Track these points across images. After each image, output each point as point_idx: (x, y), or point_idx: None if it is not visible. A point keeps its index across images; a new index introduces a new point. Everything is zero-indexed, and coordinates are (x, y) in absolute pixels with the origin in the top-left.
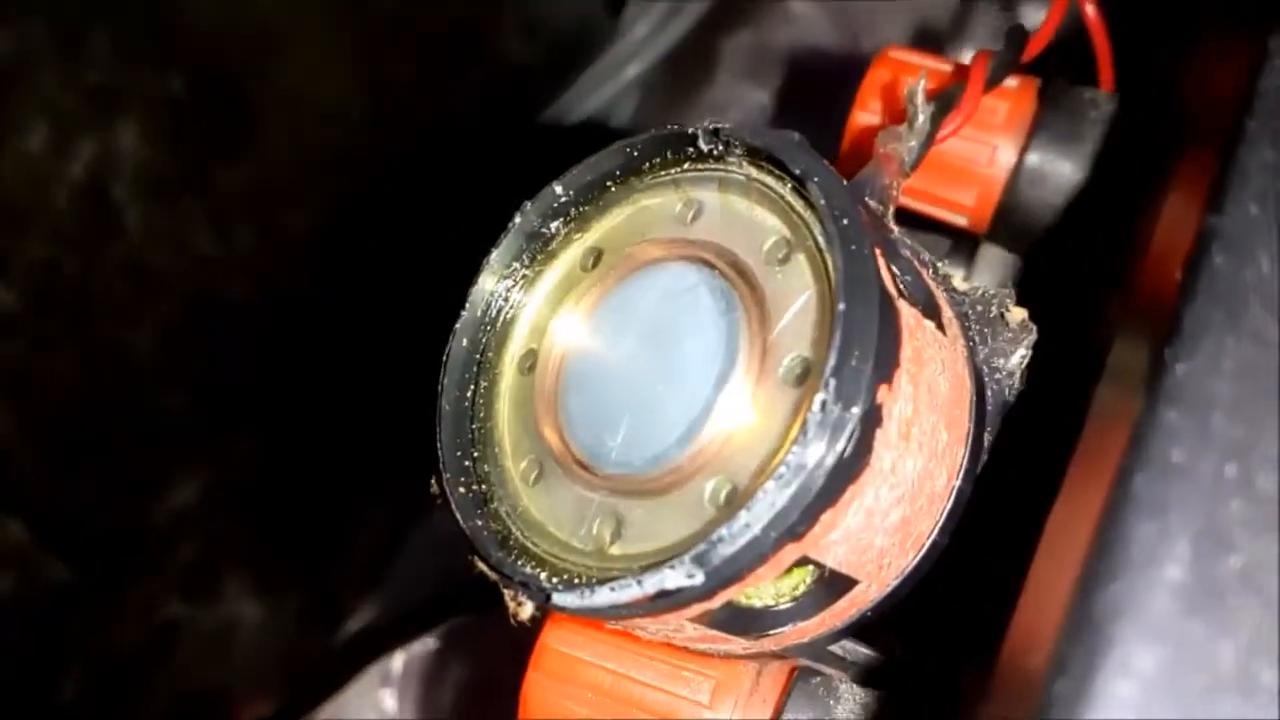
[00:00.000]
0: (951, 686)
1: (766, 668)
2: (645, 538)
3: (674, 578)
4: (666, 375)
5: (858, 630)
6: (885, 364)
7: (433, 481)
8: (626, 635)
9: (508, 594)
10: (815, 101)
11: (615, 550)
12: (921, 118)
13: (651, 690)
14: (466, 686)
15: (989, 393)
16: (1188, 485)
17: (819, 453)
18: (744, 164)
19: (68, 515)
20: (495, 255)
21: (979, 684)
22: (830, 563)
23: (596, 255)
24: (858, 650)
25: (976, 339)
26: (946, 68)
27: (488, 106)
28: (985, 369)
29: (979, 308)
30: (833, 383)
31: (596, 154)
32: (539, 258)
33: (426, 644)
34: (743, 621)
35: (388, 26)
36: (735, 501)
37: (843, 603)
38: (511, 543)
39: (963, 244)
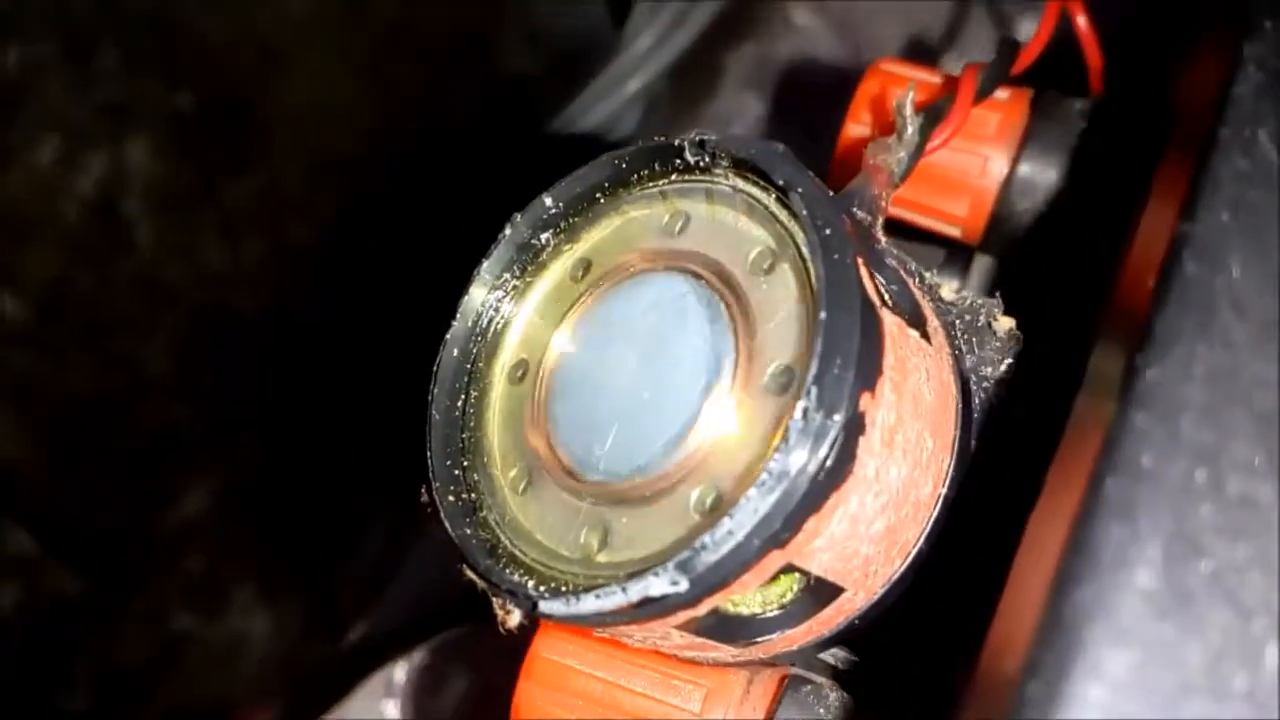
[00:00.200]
0: (943, 694)
1: (758, 676)
2: (632, 545)
3: (658, 585)
4: (653, 384)
5: (847, 638)
6: (868, 372)
7: (422, 490)
8: (617, 644)
9: (496, 602)
10: (818, 114)
11: (602, 558)
12: (910, 129)
13: (643, 699)
14: (469, 695)
15: (975, 401)
16: (1158, 490)
17: (801, 459)
18: (730, 175)
19: (75, 525)
20: (486, 266)
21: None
22: (815, 570)
23: (586, 266)
24: (848, 658)
25: (963, 348)
26: (936, 80)
27: (493, 118)
28: (973, 378)
29: (966, 317)
30: (814, 390)
31: (585, 166)
32: (529, 269)
33: (429, 652)
34: (730, 629)
35: (392, 40)
36: (719, 509)
37: (830, 611)
38: (500, 551)
39: (956, 256)
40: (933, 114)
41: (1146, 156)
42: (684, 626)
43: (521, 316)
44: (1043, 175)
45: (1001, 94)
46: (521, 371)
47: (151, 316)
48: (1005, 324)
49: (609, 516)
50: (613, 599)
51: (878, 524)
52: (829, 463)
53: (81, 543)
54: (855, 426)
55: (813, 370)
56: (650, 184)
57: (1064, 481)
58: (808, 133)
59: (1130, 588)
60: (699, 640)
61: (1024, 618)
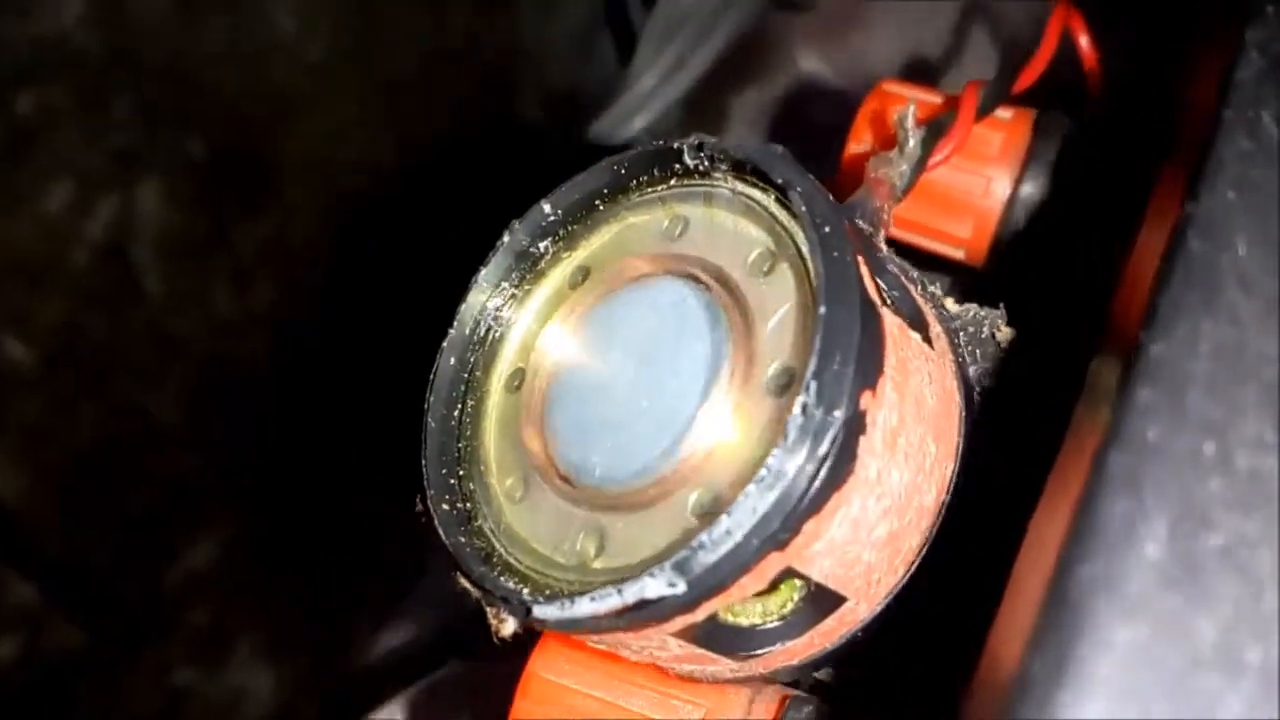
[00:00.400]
0: (943, 710)
1: (759, 695)
2: (629, 551)
3: (654, 586)
4: (652, 388)
5: (848, 653)
6: (868, 370)
7: (418, 499)
8: (615, 660)
9: (490, 611)
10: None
11: (598, 564)
12: (912, 142)
13: (641, 719)
14: None
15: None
16: (1164, 463)
17: (800, 457)
18: (729, 178)
19: (81, 577)
20: (484, 274)
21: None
22: (816, 576)
23: (584, 273)
24: (844, 677)
25: (967, 357)
26: (938, 100)
27: (503, 160)
28: (977, 388)
29: (970, 328)
30: (814, 385)
31: (584, 173)
32: (528, 277)
33: (421, 693)
34: (729, 640)
35: (405, 89)
36: (718, 510)
37: (831, 621)
38: (495, 559)
39: (961, 284)
40: (935, 129)
41: (1149, 173)
42: (682, 634)
43: (520, 324)
44: (1046, 195)
45: (1005, 114)
46: (519, 380)
47: (160, 364)
48: (1008, 335)
49: (605, 523)
50: (608, 601)
51: (880, 529)
52: (829, 461)
53: (86, 595)
54: (856, 425)
55: (812, 365)
56: (649, 189)
57: (1068, 466)
58: (815, 176)
59: (1138, 561)
60: (698, 651)
61: (1029, 598)
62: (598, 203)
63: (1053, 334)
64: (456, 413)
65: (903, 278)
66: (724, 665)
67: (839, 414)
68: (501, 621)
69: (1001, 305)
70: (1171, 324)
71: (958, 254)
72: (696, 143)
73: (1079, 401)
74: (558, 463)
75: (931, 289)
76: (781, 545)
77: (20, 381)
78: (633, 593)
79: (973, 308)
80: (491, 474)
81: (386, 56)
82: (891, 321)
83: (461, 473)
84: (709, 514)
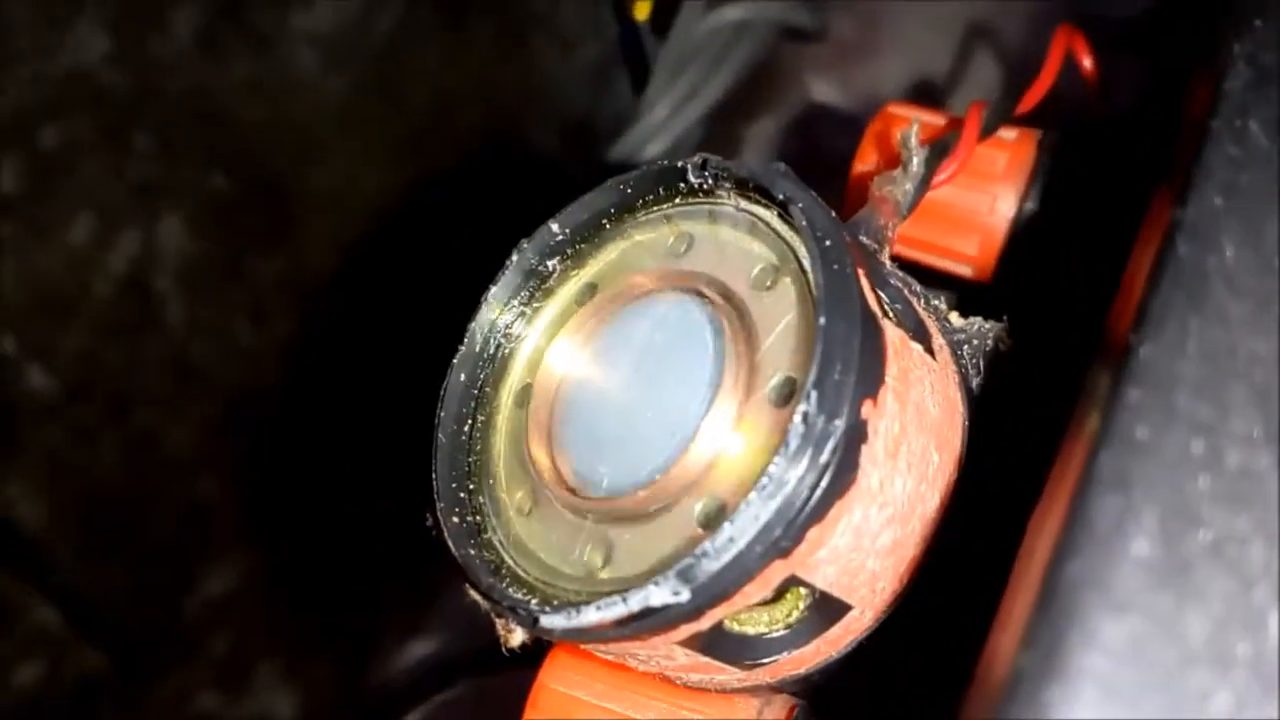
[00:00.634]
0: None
1: (767, 706)
2: (635, 562)
3: (659, 594)
4: (657, 401)
5: (854, 660)
6: (869, 379)
7: (427, 512)
8: (624, 671)
9: (499, 622)
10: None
11: (605, 575)
12: (915, 161)
13: None
14: None
15: None
16: (1154, 461)
17: (802, 466)
18: (732, 195)
19: (101, 603)
20: (494, 291)
21: None
22: (820, 584)
23: (592, 290)
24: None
25: (971, 369)
26: (942, 120)
27: (521, 195)
28: (981, 399)
29: (975, 342)
30: (814, 394)
31: (591, 192)
32: (537, 294)
33: (437, 706)
34: (735, 649)
35: (425, 125)
36: (722, 519)
37: (837, 630)
38: (504, 571)
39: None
40: (939, 149)
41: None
42: (688, 643)
43: (529, 341)
44: (1050, 212)
45: (1009, 134)
46: (528, 395)
47: (181, 394)
48: (1012, 347)
49: (612, 534)
50: (613, 610)
51: (883, 538)
52: (831, 470)
53: (107, 621)
54: (857, 434)
55: (812, 374)
56: (655, 208)
57: (1063, 468)
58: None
59: (1126, 558)
60: (704, 660)
61: (1023, 596)
62: (605, 221)
63: (1057, 346)
64: (467, 428)
65: (905, 291)
66: (731, 675)
67: (840, 422)
68: (510, 632)
69: (1005, 319)
70: (1161, 326)
71: (965, 271)
72: (700, 161)
73: (1075, 407)
74: (565, 476)
75: (935, 303)
76: (785, 553)
77: (43, 410)
78: (637, 601)
79: (977, 321)
80: (501, 487)
81: (406, 93)
82: (893, 333)
83: (471, 486)
84: (713, 523)
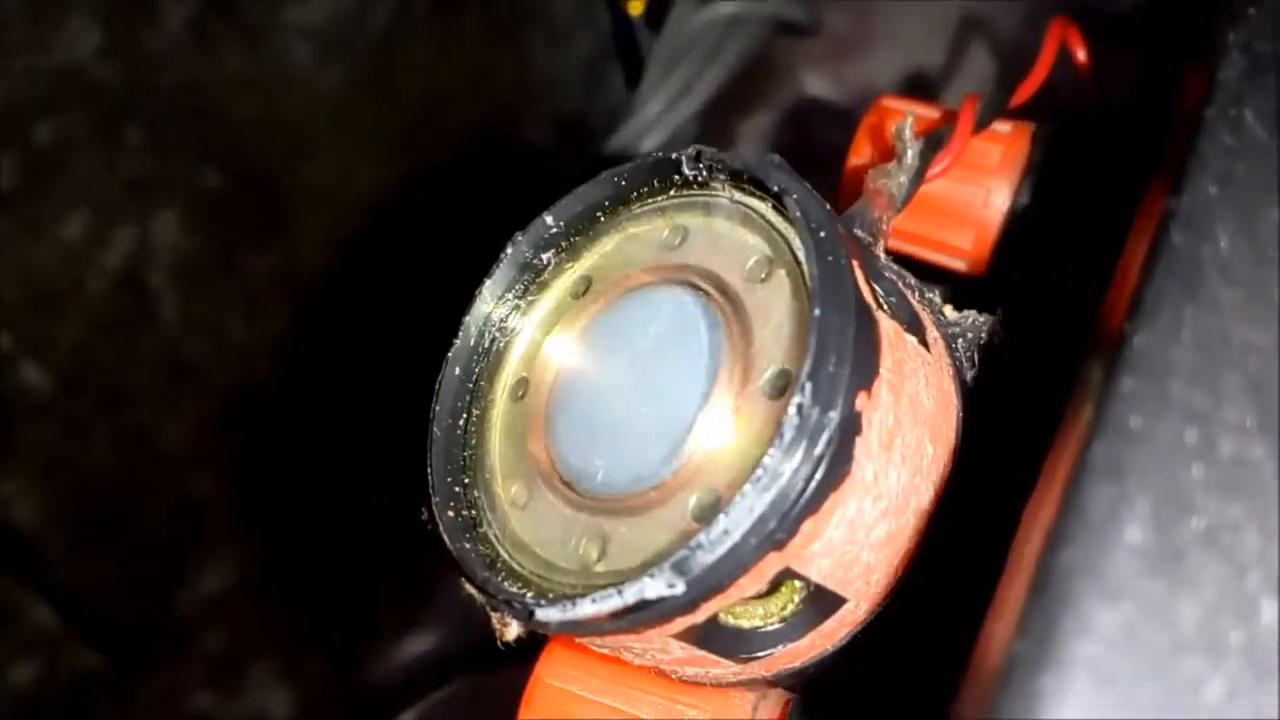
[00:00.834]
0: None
1: (763, 701)
2: (630, 555)
3: (654, 586)
4: (652, 394)
5: (849, 653)
6: (863, 371)
7: (423, 507)
8: (620, 666)
9: (494, 616)
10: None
11: (600, 568)
12: (910, 153)
13: None
14: None
15: None
16: (1147, 450)
17: (796, 458)
18: (727, 188)
19: (95, 601)
20: (488, 285)
21: None
22: (815, 577)
23: (587, 283)
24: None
25: (965, 362)
26: (936, 113)
27: (516, 189)
28: (976, 392)
29: (969, 334)
30: (808, 386)
31: (585, 184)
32: (531, 288)
33: (433, 704)
34: (730, 642)
35: (420, 121)
36: (717, 511)
37: (832, 623)
38: (499, 565)
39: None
40: (933, 142)
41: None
42: (683, 636)
43: (524, 335)
44: (1045, 205)
45: (1004, 128)
46: (523, 389)
47: (174, 390)
48: (1006, 340)
49: (608, 527)
50: (609, 602)
51: (878, 530)
52: (825, 462)
53: (102, 619)
54: (851, 426)
55: (807, 366)
56: (649, 200)
57: (1057, 458)
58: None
59: (1120, 545)
60: (699, 653)
61: (1017, 585)
62: (599, 214)
63: (1051, 339)
64: (462, 422)
65: (899, 284)
66: (727, 668)
67: (834, 414)
68: (505, 626)
69: (1000, 311)
70: (1155, 314)
71: (959, 265)
72: (695, 153)
73: (1070, 399)
74: (561, 469)
75: (929, 296)
76: (779, 545)
77: (36, 407)
78: (632, 593)
79: (971, 314)
80: (496, 481)
81: (399, 87)
82: (887, 325)
83: (467, 480)
84: (708, 516)
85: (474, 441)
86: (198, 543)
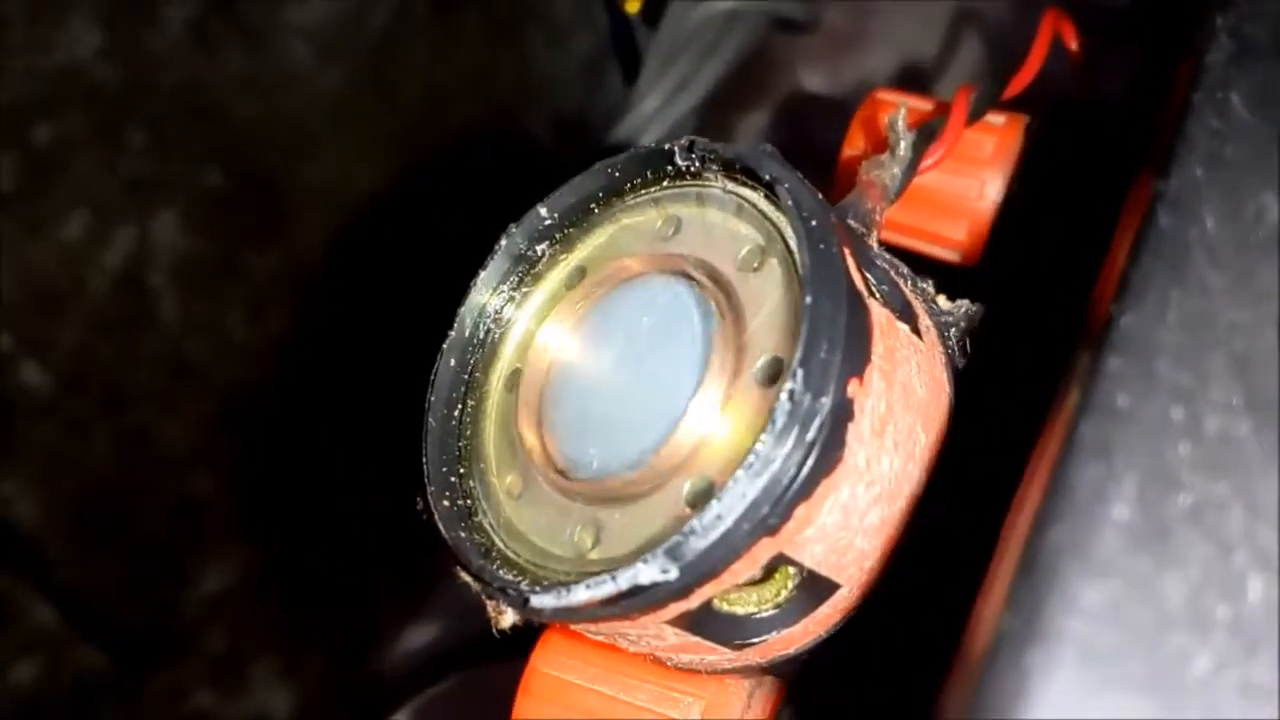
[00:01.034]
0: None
1: (758, 687)
2: (624, 542)
3: (648, 572)
4: (646, 382)
5: (842, 638)
6: (855, 358)
7: (418, 496)
8: (616, 655)
9: (490, 604)
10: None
11: (595, 555)
12: (903, 145)
13: (642, 711)
14: None
15: None
16: (1134, 428)
17: (789, 444)
18: (719, 178)
19: (97, 601)
20: (483, 277)
21: None
22: (808, 562)
23: (581, 273)
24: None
25: (958, 350)
26: (930, 105)
27: (515, 186)
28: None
29: (962, 324)
30: (800, 373)
31: (579, 176)
32: (526, 279)
33: (430, 698)
34: (725, 628)
35: (419, 120)
36: (710, 497)
37: (826, 609)
38: (494, 553)
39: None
40: (927, 134)
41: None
42: (677, 622)
43: (518, 325)
44: (1038, 196)
45: (997, 119)
46: (518, 379)
47: (175, 389)
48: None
49: (602, 515)
50: (603, 588)
51: (871, 516)
52: (817, 448)
53: (104, 618)
54: (843, 412)
55: (798, 353)
56: (643, 191)
57: (1046, 439)
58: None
59: (1106, 522)
60: (693, 640)
61: (1007, 563)
62: (593, 205)
63: (1043, 329)
64: (457, 412)
65: (892, 273)
66: (722, 655)
67: (826, 400)
68: (500, 613)
69: (983, 304)
70: (1141, 296)
71: (952, 255)
72: (687, 144)
73: (1060, 386)
74: (555, 458)
75: (922, 285)
76: (772, 531)
77: (38, 407)
78: (626, 579)
79: (964, 303)
80: (491, 471)
81: (399, 87)
82: (879, 313)
83: (462, 470)
84: (702, 502)
85: (469, 432)
86: (199, 542)
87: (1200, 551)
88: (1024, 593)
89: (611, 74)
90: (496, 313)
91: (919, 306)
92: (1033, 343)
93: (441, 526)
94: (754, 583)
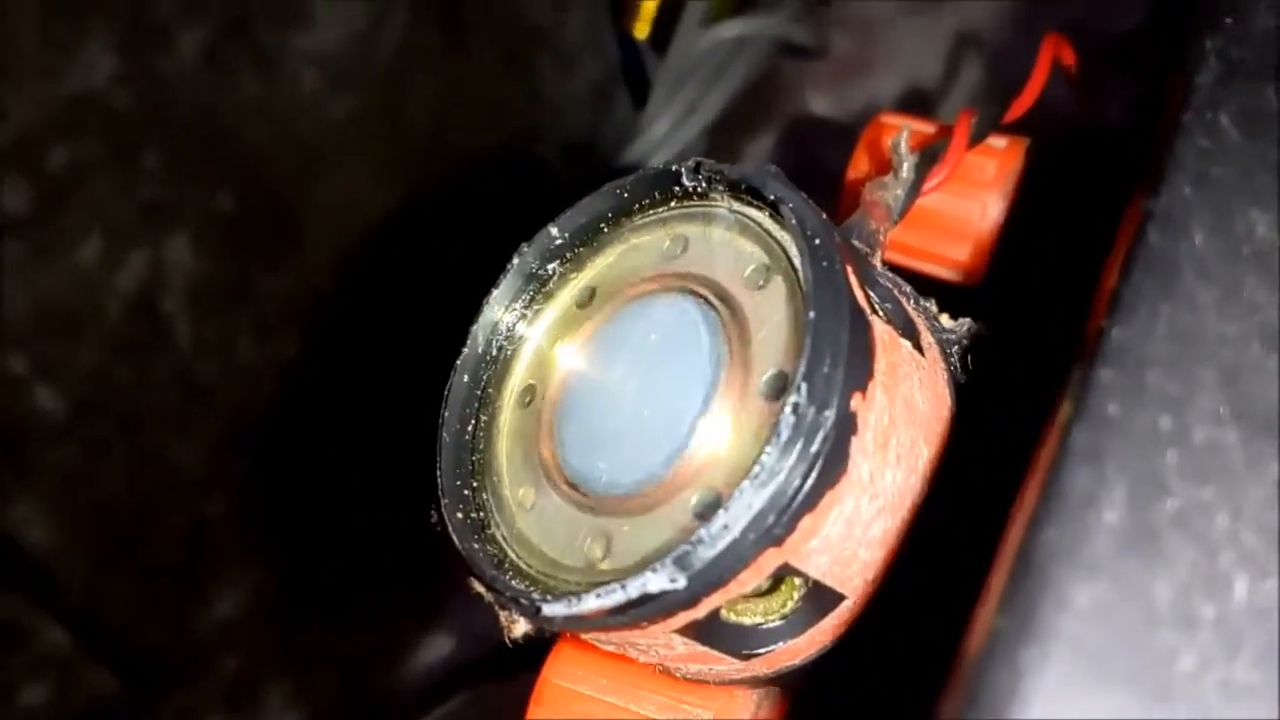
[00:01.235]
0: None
1: (765, 699)
2: (634, 553)
3: (656, 581)
4: (654, 398)
5: (845, 649)
6: (858, 373)
7: (432, 509)
8: (626, 665)
9: (503, 615)
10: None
11: (605, 566)
12: (905, 165)
13: None
14: None
15: None
16: (1124, 436)
17: (793, 455)
18: (726, 198)
19: (109, 624)
20: (495, 294)
21: None
22: (813, 573)
23: (591, 292)
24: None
25: (959, 367)
26: (932, 128)
27: (525, 210)
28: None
29: (964, 342)
30: (804, 386)
31: (588, 197)
32: (537, 297)
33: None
34: (732, 638)
35: (428, 145)
36: (717, 509)
37: (831, 620)
38: (506, 564)
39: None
40: (929, 155)
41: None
42: (685, 631)
43: (530, 342)
44: (1039, 218)
45: (999, 142)
46: (530, 395)
47: (188, 412)
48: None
49: (612, 527)
50: (612, 597)
51: (875, 528)
52: (821, 459)
53: (116, 642)
54: (847, 426)
55: (802, 367)
56: (651, 212)
57: (1041, 450)
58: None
59: (1097, 526)
60: (701, 650)
61: (1001, 568)
62: (602, 225)
63: (1044, 347)
64: (470, 427)
65: (895, 291)
66: (729, 666)
67: (830, 414)
68: (513, 623)
69: (981, 323)
70: (1132, 309)
71: (954, 276)
72: (694, 165)
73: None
74: (566, 472)
75: (925, 304)
76: (778, 541)
77: (50, 430)
78: (635, 587)
79: (967, 322)
80: (504, 484)
81: (409, 112)
82: (882, 329)
83: (475, 484)
84: (709, 514)
85: (482, 446)
86: (212, 565)
87: (1187, 554)
88: (1017, 594)
89: (620, 99)
90: (509, 330)
91: (921, 324)
92: (1032, 360)
93: (456, 538)
94: (761, 594)
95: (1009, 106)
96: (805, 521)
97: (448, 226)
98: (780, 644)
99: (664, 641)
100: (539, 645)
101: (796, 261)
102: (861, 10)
